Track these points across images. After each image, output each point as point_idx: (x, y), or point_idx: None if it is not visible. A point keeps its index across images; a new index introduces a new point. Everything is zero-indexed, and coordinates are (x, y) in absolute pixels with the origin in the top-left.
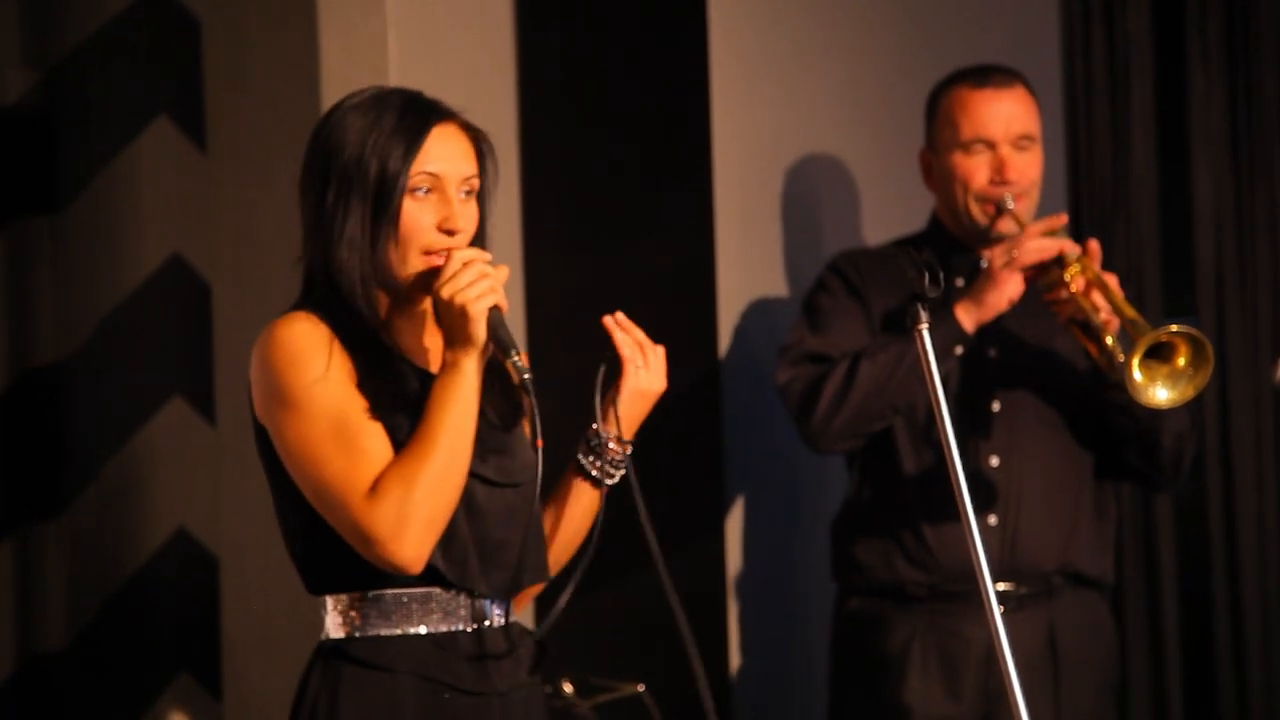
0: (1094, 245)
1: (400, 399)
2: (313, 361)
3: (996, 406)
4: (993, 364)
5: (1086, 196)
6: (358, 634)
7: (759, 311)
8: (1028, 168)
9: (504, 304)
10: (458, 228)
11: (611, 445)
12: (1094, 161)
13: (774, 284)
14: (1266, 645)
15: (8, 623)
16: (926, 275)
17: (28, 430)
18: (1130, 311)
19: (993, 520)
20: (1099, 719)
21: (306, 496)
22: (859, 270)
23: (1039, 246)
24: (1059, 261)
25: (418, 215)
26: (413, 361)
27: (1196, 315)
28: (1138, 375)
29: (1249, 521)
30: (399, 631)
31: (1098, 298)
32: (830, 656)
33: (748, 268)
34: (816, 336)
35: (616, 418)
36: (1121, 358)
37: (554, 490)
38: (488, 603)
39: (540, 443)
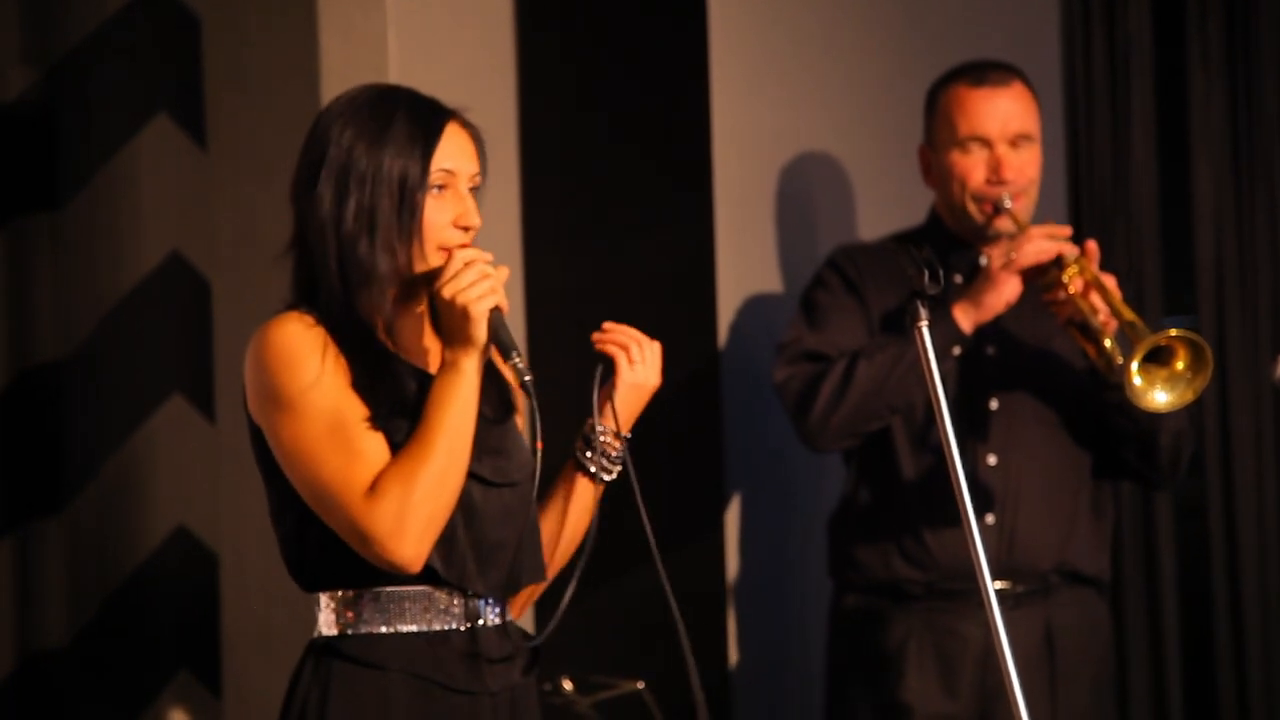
0: (1092, 246)
1: (397, 399)
2: (308, 362)
3: (994, 405)
4: (991, 363)
5: (1086, 196)
6: (350, 631)
7: (758, 310)
8: (1024, 166)
9: (505, 305)
10: (474, 224)
11: (608, 440)
12: (1094, 161)
13: (773, 282)
14: (1266, 644)
15: (7, 621)
16: (926, 272)
17: (27, 428)
18: (1128, 314)
19: (990, 519)
20: (1095, 716)
21: (303, 497)
22: (857, 266)
23: (1037, 249)
24: (1057, 263)
25: (436, 213)
26: (410, 362)
27: (1196, 314)
28: (1137, 380)
29: (1249, 519)
30: (392, 629)
31: (1096, 299)
32: (827, 654)
33: (747, 266)
34: (814, 334)
35: (614, 413)
36: (1120, 360)
37: (552, 488)
38: (482, 602)
39: (540, 445)
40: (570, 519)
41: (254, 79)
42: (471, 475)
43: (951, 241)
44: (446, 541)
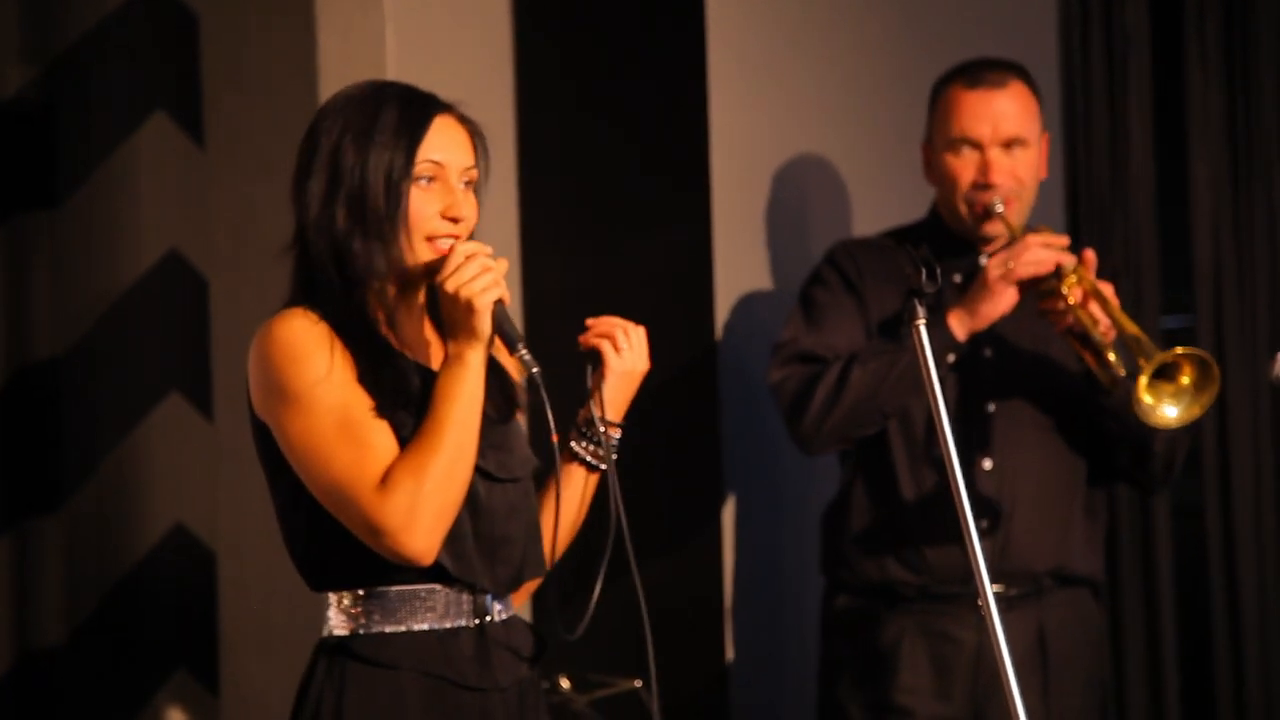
0: (1089, 255)
1: (402, 394)
2: (314, 358)
3: (991, 409)
4: (988, 366)
5: (1084, 195)
6: (361, 631)
7: (755, 309)
8: (1015, 170)
9: (507, 297)
10: (461, 215)
11: (603, 429)
12: (1092, 160)
13: (770, 282)
14: (1264, 644)
15: (5, 619)
16: (924, 271)
17: (25, 425)
18: (1132, 327)
19: (985, 524)
20: (1087, 715)
21: (313, 493)
22: (856, 263)
23: (1035, 260)
24: (1056, 273)
25: (422, 204)
26: (411, 357)
27: (1194, 314)
28: (1146, 398)
29: (1246, 520)
30: (403, 628)
31: (1096, 310)
32: (819, 653)
33: (744, 266)
34: (810, 335)
35: (601, 402)
36: (1122, 372)
37: (548, 481)
38: (489, 598)
39: (555, 436)
40: (568, 510)
41: (252, 78)
42: (476, 470)
43: (950, 239)
44: (454, 538)
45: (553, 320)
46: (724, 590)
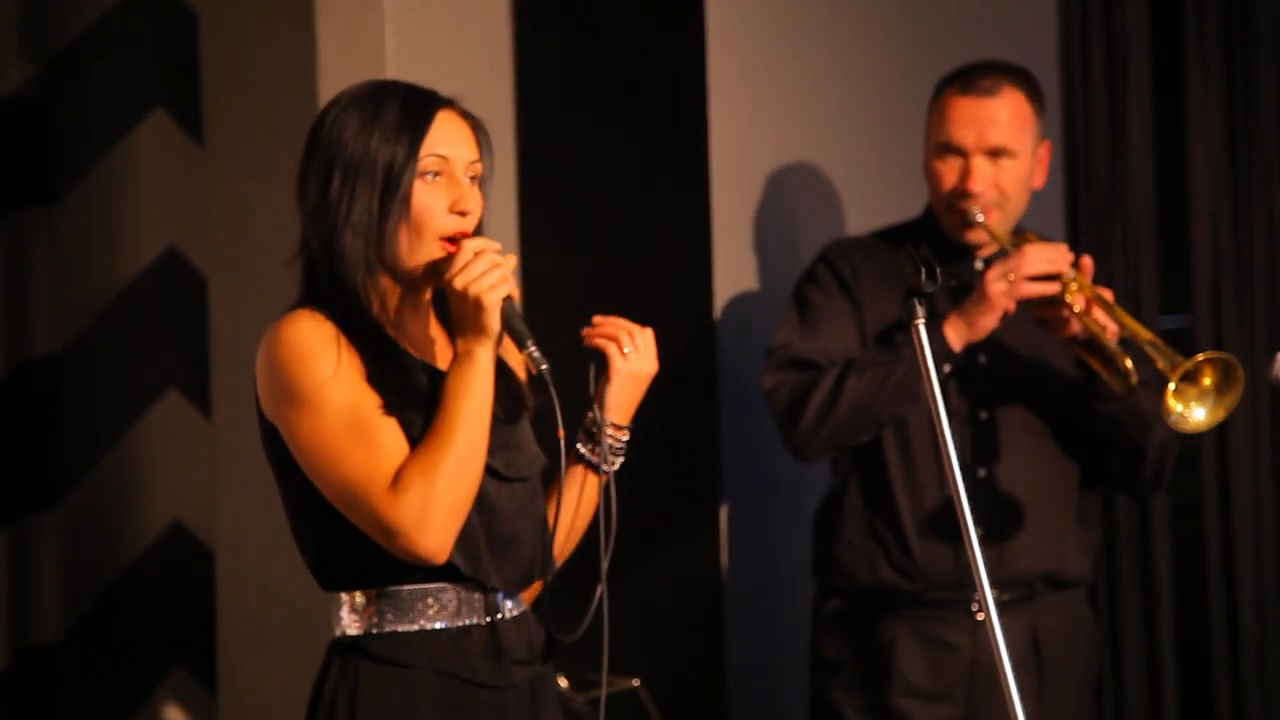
0: (1086, 261)
1: (410, 394)
2: (322, 359)
3: (984, 416)
4: (982, 371)
5: (1083, 195)
6: (374, 631)
7: (754, 309)
8: (998, 179)
9: (516, 294)
10: (469, 208)
11: (609, 431)
12: (1091, 160)
13: (769, 282)
14: (1261, 644)
15: (2, 616)
16: (924, 271)
17: (24, 422)
18: (1145, 333)
19: (980, 530)
20: (1081, 715)
21: (324, 494)
22: (851, 264)
23: (1039, 289)
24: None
25: (429, 199)
26: (418, 357)
27: (1193, 313)
28: (1176, 406)
29: (1245, 519)
30: (415, 628)
31: (1101, 316)
32: (810, 658)
33: (743, 266)
34: (804, 340)
35: (599, 406)
36: (1135, 380)
37: (554, 482)
38: (500, 596)
39: (562, 432)
40: (574, 511)
41: (251, 75)
42: (485, 469)
43: (944, 241)
44: (465, 537)
45: (551, 320)
46: (722, 590)
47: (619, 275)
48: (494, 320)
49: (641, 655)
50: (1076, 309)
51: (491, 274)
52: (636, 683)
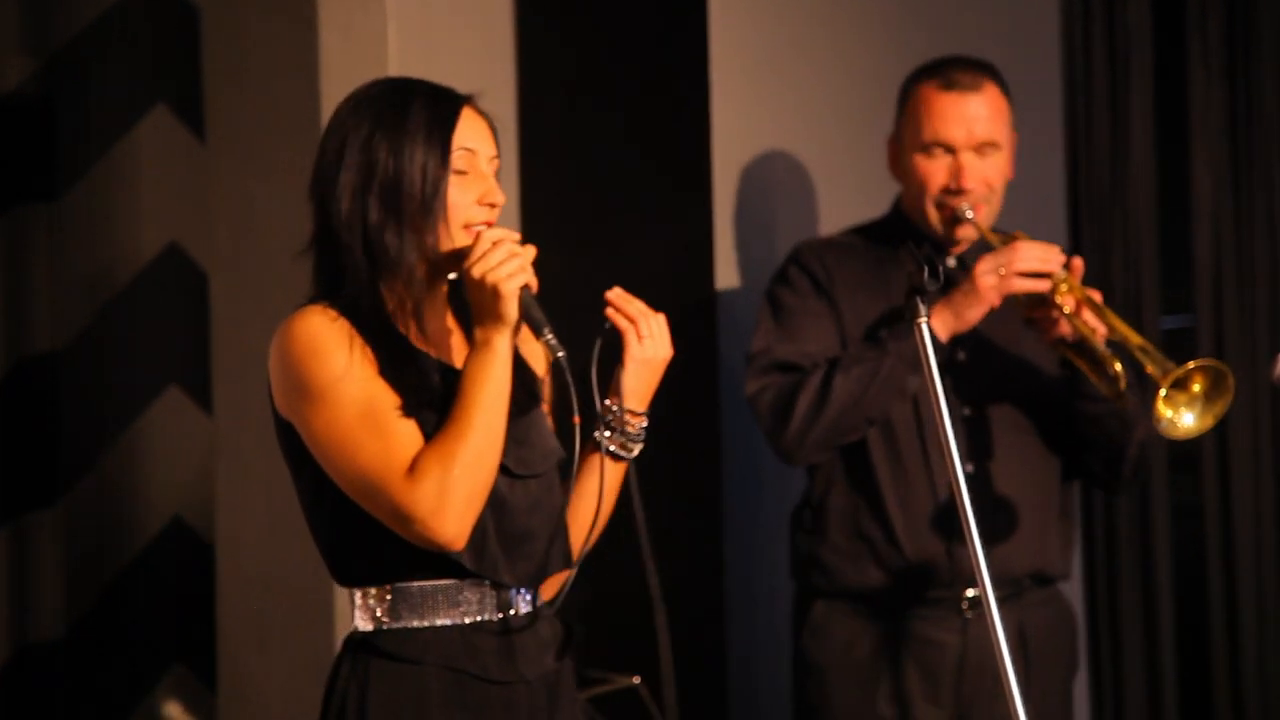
0: (1077, 263)
1: (423, 390)
2: (336, 353)
3: (969, 412)
4: (962, 369)
5: (1085, 194)
6: (385, 626)
7: (756, 307)
8: (987, 174)
9: (534, 283)
10: (499, 200)
11: (626, 418)
12: (1093, 159)
13: (770, 280)
14: (1261, 643)
15: (2, 613)
16: (925, 269)
17: (24, 418)
18: (1136, 337)
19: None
20: (1064, 709)
21: (341, 486)
22: (824, 263)
23: (1030, 285)
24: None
25: (459, 195)
26: (434, 355)
27: (1194, 314)
28: (1166, 412)
29: (1245, 519)
30: (426, 623)
31: (1091, 318)
32: (794, 661)
33: (745, 263)
34: (784, 343)
35: (619, 390)
36: (1124, 384)
37: (575, 473)
38: (513, 592)
39: (578, 419)
40: (596, 500)
41: (253, 72)
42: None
43: (915, 236)
44: (476, 534)
45: (552, 317)
46: (723, 589)
47: (620, 272)
48: (511, 308)
49: (642, 654)
50: (1066, 310)
51: (510, 263)
52: (637, 680)
